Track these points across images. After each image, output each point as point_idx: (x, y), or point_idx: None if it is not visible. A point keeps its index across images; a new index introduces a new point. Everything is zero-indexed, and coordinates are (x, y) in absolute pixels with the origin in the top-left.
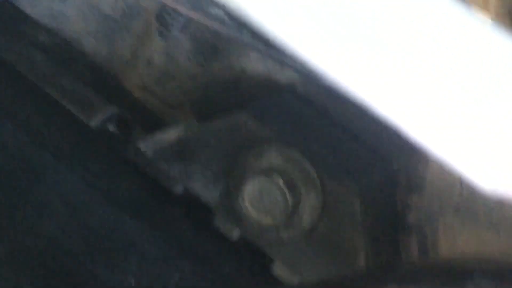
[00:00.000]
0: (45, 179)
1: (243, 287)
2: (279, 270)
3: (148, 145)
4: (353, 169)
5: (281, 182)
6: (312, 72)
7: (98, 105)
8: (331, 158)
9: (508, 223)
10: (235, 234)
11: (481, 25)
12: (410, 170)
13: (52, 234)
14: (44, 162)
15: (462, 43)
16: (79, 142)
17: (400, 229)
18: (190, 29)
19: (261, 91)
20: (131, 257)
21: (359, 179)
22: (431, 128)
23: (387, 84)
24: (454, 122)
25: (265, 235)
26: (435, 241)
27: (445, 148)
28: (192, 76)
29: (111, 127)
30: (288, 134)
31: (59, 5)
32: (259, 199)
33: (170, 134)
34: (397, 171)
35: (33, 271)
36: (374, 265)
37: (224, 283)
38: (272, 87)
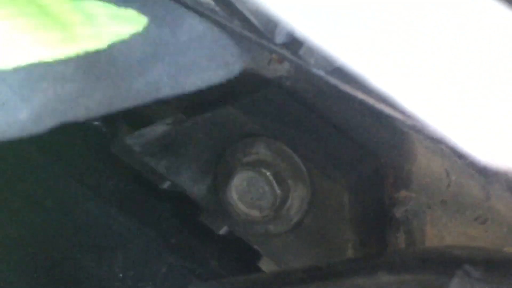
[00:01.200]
0: (33, 174)
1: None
2: (266, 264)
3: (135, 140)
4: (341, 163)
5: (269, 174)
6: (304, 65)
7: None
8: (319, 151)
9: (495, 215)
10: (222, 228)
11: None
12: (398, 165)
13: (40, 228)
14: (32, 158)
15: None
16: (66, 138)
17: (388, 223)
18: None
19: (249, 85)
20: (118, 250)
21: (347, 172)
22: (427, 101)
23: (382, 55)
24: (449, 94)
25: (253, 229)
26: (422, 235)
27: (441, 121)
28: None
29: (98, 123)
30: (276, 127)
31: None
32: (247, 192)
33: (157, 129)
34: (384, 165)
35: (20, 263)
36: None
37: (211, 277)
38: (260, 82)
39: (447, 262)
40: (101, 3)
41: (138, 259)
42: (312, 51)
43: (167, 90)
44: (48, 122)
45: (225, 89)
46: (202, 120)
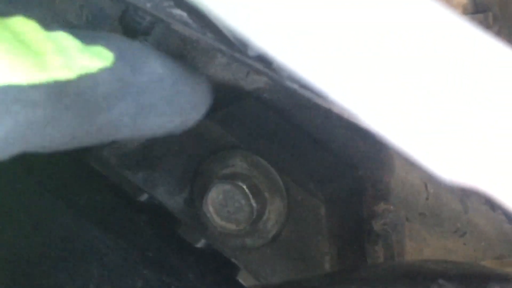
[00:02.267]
0: (5, 186)
1: None
2: (244, 277)
3: (112, 152)
4: (318, 176)
5: (245, 187)
6: (278, 79)
7: None
8: (296, 164)
9: (473, 228)
10: (200, 241)
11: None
12: (376, 178)
13: (12, 241)
14: (4, 169)
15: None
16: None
17: (366, 236)
18: (155, 34)
19: (226, 97)
20: (93, 265)
21: (324, 185)
22: (395, 122)
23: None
24: (418, 117)
25: (230, 242)
26: (401, 248)
27: (409, 143)
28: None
29: None
30: (252, 140)
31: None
32: (223, 205)
33: (134, 141)
34: (363, 178)
35: None
36: (339, 269)
37: None
38: (237, 94)
39: (421, 276)
40: (71, 37)
41: (114, 273)
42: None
43: (126, 131)
44: (14, 148)
45: None
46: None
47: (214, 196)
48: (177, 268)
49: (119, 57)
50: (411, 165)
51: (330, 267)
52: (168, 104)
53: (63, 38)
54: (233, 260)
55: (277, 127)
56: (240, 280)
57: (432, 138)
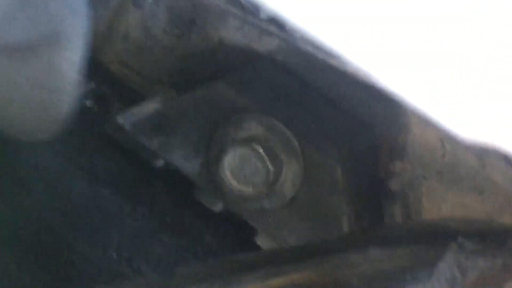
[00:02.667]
0: (23, 155)
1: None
2: (262, 239)
3: (126, 119)
4: (334, 137)
5: (261, 150)
6: (291, 40)
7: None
8: (312, 126)
9: (491, 185)
10: (217, 205)
11: None
12: (392, 137)
13: (31, 212)
14: (21, 140)
15: None
16: None
17: (383, 196)
18: None
19: (239, 60)
20: (112, 232)
21: (340, 146)
22: (412, 79)
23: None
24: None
25: (247, 205)
26: (419, 207)
27: (428, 100)
28: (169, 48)
29: (89, 103)
30: (267, 103)
31: None
32: (239, 169)
33: (148, 107)
34: (379, 137)
35: (12, 247)
36: (356, 230)
37: (207, 255)
38: (250, 57)
39: (440, 234)
40: None
41: (133, 239)
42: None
43: None
44: None
45: (215, 65)
46: (193, 97)
47: (231, 160)
48: (195, 232)
49: None
50: (427, 123)
51: (348, 227)
52: None
53: None
54: (250, 223)
55: (291, 89)
56: (258, 243)
57: (448, 93)
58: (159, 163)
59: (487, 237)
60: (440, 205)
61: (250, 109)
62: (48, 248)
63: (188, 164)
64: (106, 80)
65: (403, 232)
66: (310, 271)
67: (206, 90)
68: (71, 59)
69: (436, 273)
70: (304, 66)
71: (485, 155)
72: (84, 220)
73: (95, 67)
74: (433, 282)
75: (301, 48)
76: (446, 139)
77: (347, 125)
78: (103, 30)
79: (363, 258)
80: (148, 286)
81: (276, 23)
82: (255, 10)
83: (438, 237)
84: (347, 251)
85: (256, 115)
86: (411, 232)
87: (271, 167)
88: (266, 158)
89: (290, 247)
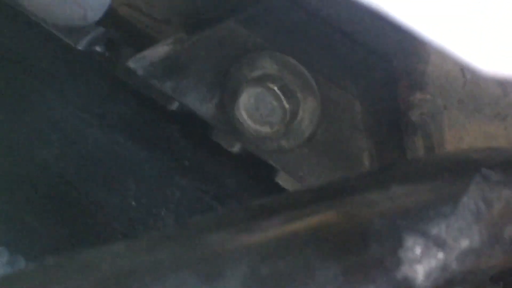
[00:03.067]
0: (35, 106)
1: (247, 198)
2: (283, 179)
3: (138, 63)
4: (351, 70)
5: (276, 89)
6: None
7: (84, 27)
8: (327, 60)
9: None
10: (235, 146)
11: None
12: (411, 67)
13: (45, 162)
14: (34, 89)
15: None
16: (68, 67)
17: (404, 128)
18: None
19: None
20: (129, 179)
21: (357, 80)
22: (429, 15)
23: None
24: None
25: (265, 145)
26: (441, 138)
27: (445, 34)
28: None
29: (99, 48)
30: (280, 39)
31: None
32: (255, 108)
33: (160, 50)
34: (397, 68)
35: (28, 200)
36: (378, 166)
37: (228, 197)
38: None
39: (463, 167)
40: None
41: (151, 185)
42: None
43: None
44: None
45: (225, 3)
46: (203, 38)
47: (246, 100)
48: (214, 175)
49: None
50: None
51: (369, 163)
52: None
53: None
54: (270, 162)
55: (304, 23)
56: (279, 182)
57: (467, 25)
58: (173, 106)
59: (511, 166)
60: (463, 134)
61: (263, 47)
62: (65, 198)
63: (203, 106)
64: (115, 24)
65: (425, 167)
66: (330, 212)
67: (217, 29)
68: None
69: (460, 207)
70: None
71: (507, 81)
72: (100, 169)
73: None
74: (457, 216)
75: None
76: (466, 67)
77: (364, 58)
78: None
79: (384, 196)
80: (163, 238)
81: None
82: None
83: (461, 169)
84: (368, 189)
85: (270, 53)
86: (433, 167)
87: (287, 105)
88: (281, 96)
89: (309, 188)
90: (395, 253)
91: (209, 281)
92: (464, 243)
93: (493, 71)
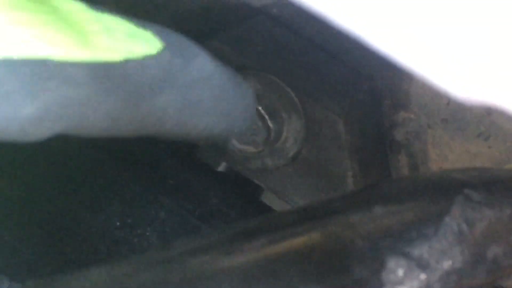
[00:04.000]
0: None
1: (232, 217)
2: (268, 197)
3: None
4: (335, 90)
5: (261, 108)
6: None
7: None
8: (311, 80)
9: (497, 130)
10: (220, 165)
11: None
12: (395, 87)
13: (32, 182)
14: None
15: None
16: None
17: (389, 147)
18: None
19: (234, 17)
20: (114, 199)
21: (341, 99)
22: (410, 46)
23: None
24: (432, 38)
25: (251, 164)
26: (425, 156)
27: (425, 64)
28: (162, 6)
29: None
30: (265, 59)
31: None
32: None
33: None
34: (380, 88)
35: (15, 220)
36: (362, 186)
37: (213, 216)
38: (245, 12)
39: (446, 187)
40: (120, 20)
41: (135, 205)
42: None
43: (171, 124)
44: (49, 127)
45: (209, 22)
46: None
47: None
48: (199, 194)
49: (168, 47)
50: None
51: (353, 182)
52: (215, 103)
53: (112, 21)
54: (255, 181)
55: (288, 43)
56: (265, 201)
57: (445, 55)
58: None
59: (494, 186)
60: (446, 153)
61: (247, 66)
62: (52, 219)
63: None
64: None
65: (408, 187)
66: (313, 233)
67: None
68: None
69: (442, 227)
70: (300, 19)
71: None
72: (85, 188)
73: None
74: (439, 238)
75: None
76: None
77: (348, 77)
78: None
79: (367, 217)
80: (146, 262)
81: None
82: None
83: (444, 190)
84: (351, 210)
85: (254, 73)
86: (416, 187)
87: (271, 125)
88: (266, 116)
89: (292, 209)
90: (377, 275)
91: None
92: (447, 264)
93: (468, 97)
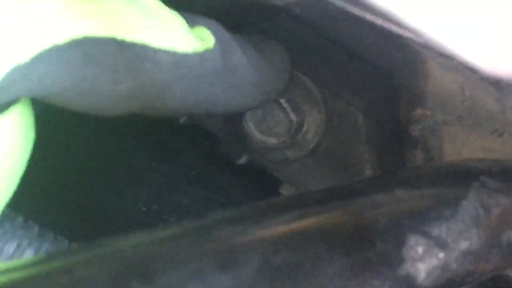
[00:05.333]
0: (52, 116)
1: None
2: (288, 190)
3: None
4: (355, 86)
5: (283, 101)
6: None
7: None
8: (332, 76)
9: (511, 127)
10: (241, 158)
11: None
12: (412, 84)
13: (58, 168)
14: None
15: None
16: None
17: (405, 142)
18: None
19: (257, 14)
20: (141, 187)
21: (361, 95)
22: (431, 13)
23: None
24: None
25: (271, 156)
26: (440, 151)
27: (445, 32)
28: (186, 4)
29: None
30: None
31: None
32: (262, 120)
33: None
34: (398, 85)
35: (41, 205)
36: (381, 173)
37: (233, 205)
38: (268, 11)
39: (463, 174)
40: (182, 14)
41: (161, 192)
42: None
43: (219, 107)
44: (129, 105)
45: (232, 20)
46: None
47: (253, 112)
48: (221, 185)
49: (217, 41)
50: (446, 69)
51: (370, 174)
52: (254, 86)
53: (177, 17)
54: (275, 173)
55: (310, 41)
56: (284, 193)
57: (468, 24)
58: (182, 118)
59: (508, 175)
60: (461, 149)
61: None
62: (80, 206)
63: (210, 119)
64: None
65: (426, 174)
66: (337, 212)
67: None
68: None
69: (460, 210)
70: (322, 17)
71: (504, 98)
72: (113, 177)
73: None
74: (457, 219)
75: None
76: (465, 84)
77: (367, 75)
78: None
79: (389, 199)
80: (182, 229)
81: None
82: None
83: (461, 177)
84: (373, 192)
85: None
86: (434, 173)
87: (293, 118)
88: (288, 109)
89: (317, 190)
90: (398, 251)
91: (225, 269)
92: (464, 245)
93: (491, 69)
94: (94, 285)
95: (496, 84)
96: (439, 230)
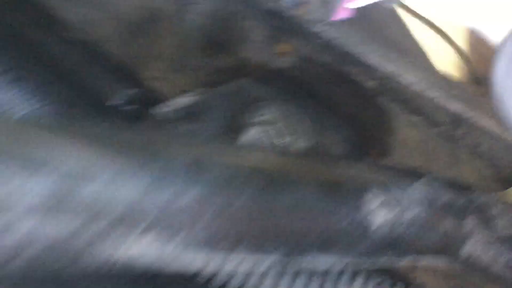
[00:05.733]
0: None
1: None
2: None
3: (168, 107)
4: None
5: (271, 131)
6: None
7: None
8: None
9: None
10: None
11: None
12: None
13: None
14: None
15: None
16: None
17: None
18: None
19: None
20: None
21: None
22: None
23: None
24: None
25: None
26: None
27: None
28: (202, 66)
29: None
30: (284, 93)
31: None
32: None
33: (182, 100)
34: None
35: None
36: None
37: None
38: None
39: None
40: None
41: None
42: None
43: None
44: None
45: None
46: (220, 90)
47: (244, 140)
48: None
49: None
50: (410, 126)
51: None
52: None
53: None
54: None
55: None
56: None
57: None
58: None
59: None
60: None
61: (268, 98)
62: None
63: None
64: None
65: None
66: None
67: (229, 85)
68: None
69: (408, 191)
70: (316, 80)
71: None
72: None
73: (135, 82)
74: (413, 191)
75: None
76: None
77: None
78: (143, 53)
79: (361, 167)
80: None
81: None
82: None
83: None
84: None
85: (272, 103)
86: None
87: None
88: (274, 136)
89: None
90: (360, 196)
91: None
92: (411, 214)
93: None
94: None
95: (450, 138)
96: (399, 192)
